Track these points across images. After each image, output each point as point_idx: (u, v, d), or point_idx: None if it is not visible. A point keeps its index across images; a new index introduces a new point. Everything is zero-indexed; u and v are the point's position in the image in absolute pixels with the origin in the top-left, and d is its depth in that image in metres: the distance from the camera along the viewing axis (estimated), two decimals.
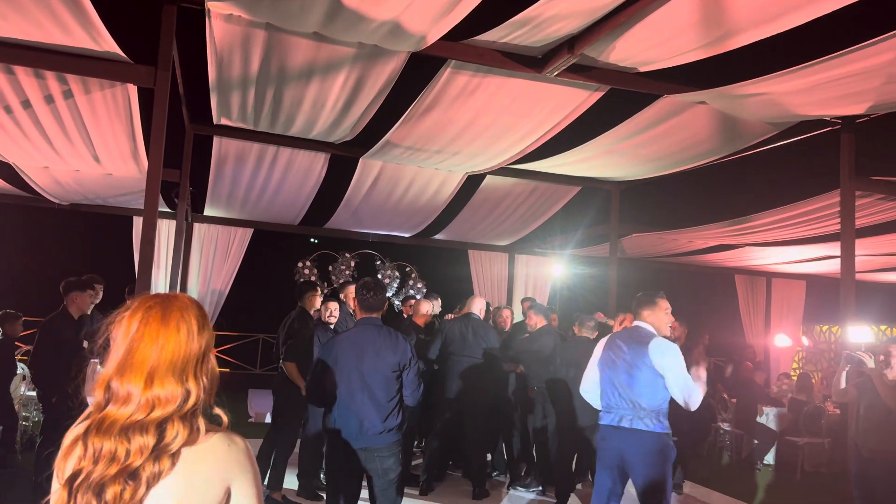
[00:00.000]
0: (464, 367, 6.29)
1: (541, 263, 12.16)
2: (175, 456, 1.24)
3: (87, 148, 6.90)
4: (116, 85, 5.54)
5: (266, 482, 5.82)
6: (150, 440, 1.23)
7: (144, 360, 1.28)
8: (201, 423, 1.31)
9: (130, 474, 1.21)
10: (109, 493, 1.20)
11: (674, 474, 7.05)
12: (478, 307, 6.65)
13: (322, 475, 6.18)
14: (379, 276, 12.41)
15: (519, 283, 12.17)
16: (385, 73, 5.40)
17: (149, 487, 1.22)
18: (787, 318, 13.16)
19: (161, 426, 1.25)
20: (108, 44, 4.67)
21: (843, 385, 4.77)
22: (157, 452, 1.23)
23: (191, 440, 1.27)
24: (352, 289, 6.66)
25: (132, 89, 5.63)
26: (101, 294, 6.23)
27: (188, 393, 1.29)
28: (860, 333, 5.08)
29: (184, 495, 1.23)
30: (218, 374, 1.42)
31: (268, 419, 8.83)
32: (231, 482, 1.28)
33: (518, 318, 8.31)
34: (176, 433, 1.25)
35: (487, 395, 6.40)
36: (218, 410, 1.36)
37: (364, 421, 3.66)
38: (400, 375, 3.77)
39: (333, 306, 6.17)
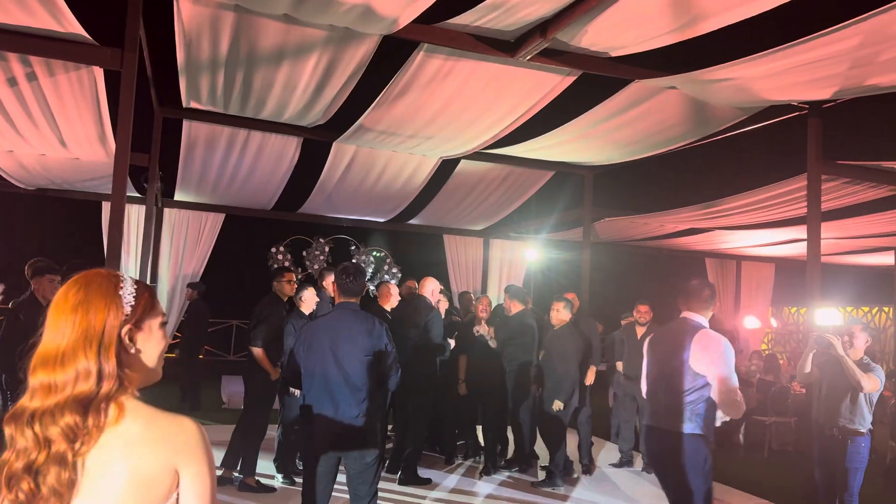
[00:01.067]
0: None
1: (515, 248, 12.22)
2: (87, 442, 1.21)
3: (53, 132, 6.76)
4: (82, 67, 5.42)
5: (238, 468, 5.82)
6: (57, 427, 1.20)
7: (47, 345, 1.27)
8: (127, 406, 1.27)
9: (48, 461, 1.20)
10: (26, 485, 1.19)
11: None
12: (429, 289, 6.54)
13: (297, 459, 6.18)
14: (354, 260, 12.39)
15: (494, 268, 12.22)
16: (357, 57, 5.36)
17: (73, 474, 1.20)
18: (756, 300, 13.40)
19: (71, 409, 1.22)
20: (72, 25, 4.57)
21: (808, 368, 4.83)
22: (75, 436, 1.21)
23: (115, 422, 1.24)
24: (332, 276, 6.65)
25: (98, 72, 5.52)
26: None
27: (94, 375, 1.25)
28: (828, 316, 5.16)
29: (127, 481, 1.21)
30: (150, 359, 1.36)
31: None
32: (179, 466, 1.26)
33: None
34: (93, 417, 1.23)
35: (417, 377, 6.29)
36: (131, 399, 1.30)
37: (339, 404, 3.66)
38: (375, 360, 3.76)
39: (306, 295, 6.09)
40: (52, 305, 1.32)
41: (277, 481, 6.02)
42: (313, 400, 3.71)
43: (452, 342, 6.52)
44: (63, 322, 1.28)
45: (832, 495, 4.72)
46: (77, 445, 1.21)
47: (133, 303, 1.34)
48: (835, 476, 4.69)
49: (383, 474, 6.25)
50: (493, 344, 6.85)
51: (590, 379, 6.96)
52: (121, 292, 1.33)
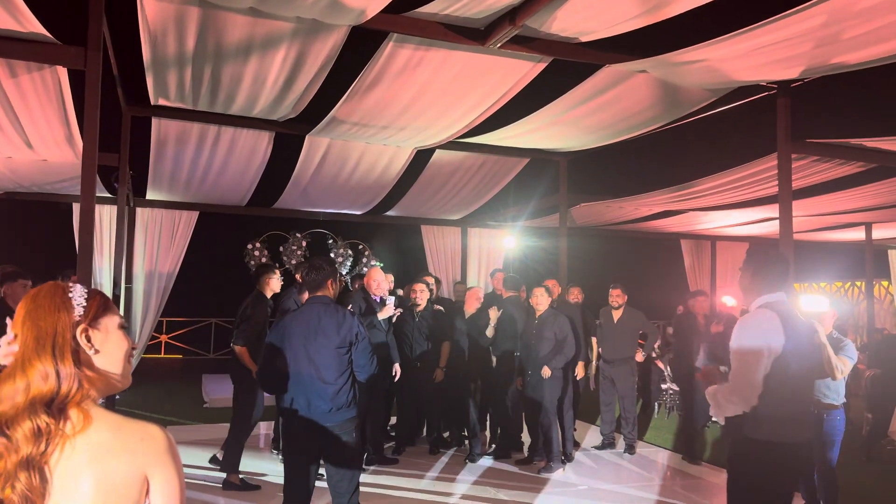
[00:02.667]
0: None
1: (493, 236, 12.25)
2: (53, 444, 1.21)
3: (19, 134, 6.63)
4: (45, 67, 5.32)
5: (221, 466, 5.80)
6: (22, 430, 1.20)
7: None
8: (93, 413, 1.26)
9: (18, 466, 1.19)
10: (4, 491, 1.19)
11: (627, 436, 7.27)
12: (374, 283, 6.50)
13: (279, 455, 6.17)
14: (332, 254, 12.32)
15: (472, 257, 12.24)
16: (326, 49, 5.31)
17: (42, 480, 1.20)
18: (731, 279, 13.57)
19: (33, 411, 1.22)
20: (32, 24, 4.47)
21: None
22: (40, 439, 1.21)
23: (82, 430, 1.23)
24: (375, 272, 6.59)
25: (62, 72, 5.42)
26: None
27: (52, 376, 1.25)
28: (815, 302, 5.10)
29: (96, 490, 1.21)
30: (113, 362, 1.36)
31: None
32: (148, 473, 1.27)
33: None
34: (56, 418, 1.23)
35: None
36: (96, 407, 1.29)
37: (312, 399, 3.64)
38: (348, 352, 3.75)
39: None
40: (13, 324, 1.33)
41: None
42: (290, 396, 3.69)
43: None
44: (17, 332, 1.30)
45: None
46: (43, 448, 1.21)
47: (84, 304, 1.34)
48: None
49: (379, 468, 6.26)
50: (489, 332, 6.86)
51: (580, 373, 7.02)
52: (70, 295, 1.33)
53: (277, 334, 3.78)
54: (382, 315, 6.18)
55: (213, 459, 6.14)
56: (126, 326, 1.44)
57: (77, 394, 1.26)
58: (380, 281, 6.44)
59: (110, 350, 1.36)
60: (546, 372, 6.26)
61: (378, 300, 6.37)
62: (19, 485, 1.18)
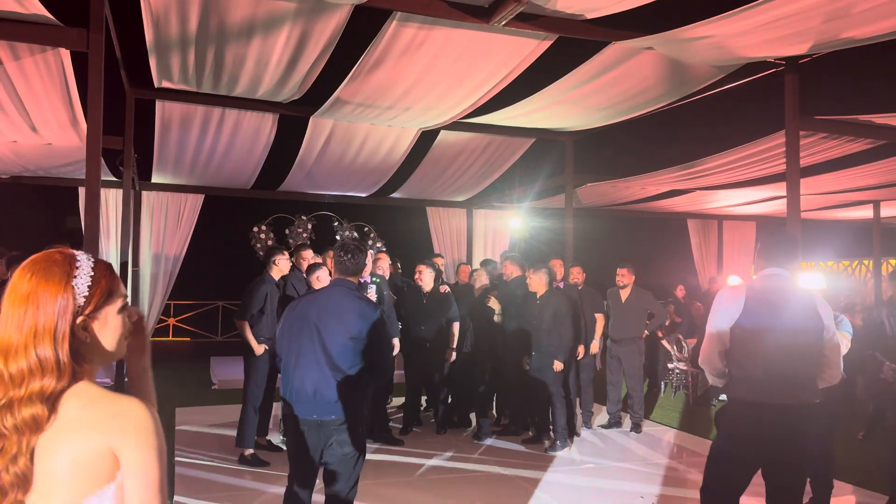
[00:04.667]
0: None
1: (499, 217, 12.23)
2: (40, 432, 1.21)
3: (23, 117, 6.62)
4: (48, 49, 5.29)
5: (236, 441, 5.85)
6: (14, 420, 1.20)
7: (0, 335, 1.25)
8: (72, 389, 1.25)
9: (5, 453, 1.20)
10: None
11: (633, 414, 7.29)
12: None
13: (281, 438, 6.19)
14: (337, 237, 12.33)
15: (478, 238, 12.23)
16: (329, 28, 5.28)
17: (30, 463, 1.20)
18: (738, 258, 13.53)
19: (27, 404, 1.21)
20: (34, 6, 4.44)
21: None
22: (31, 429, 1.21)
23: (61, 414, 1.23)
24: (305, 252, 6.59)
25: (65, 54, 5.40)
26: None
27: (49, 369, 1.23)
28: (812, 279, 5.12)
29: (64, 464, 1.20)
30: (109, 344, 1.34)
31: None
32: (117, 450, 1.22)
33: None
34: (48, 409, 1.22)
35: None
36: (80, 382, 1.28)
37: (319, 387, 3.37)
38: (365, 346, 3.43)
39: (321, 275, 5.91)
40: (7, 291, 1.28)
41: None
42: (295, 382, 3.44)
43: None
44: (15, 313, 1.25)
45: None
46: (31, 436, 1.20)
47: (87, 293, 1.29)
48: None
49: (384, 447, 6.30)
50: (497, 319, 6.93)
51: (580, 353, 7.04)
52: (74, 282, 1.28)
53: (292, 314, 3.55)
54: None
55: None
56: (127, 305, 1.40)
57: (71, 383, 1.25)
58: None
59: (107, 335, 1.33)
60: (558, 366, 6.28)
61: (365, 281, 6.38)
62: (15, 468, 1.19)
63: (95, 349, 1.32)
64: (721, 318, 3.21)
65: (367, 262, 6.34)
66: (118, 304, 1.36)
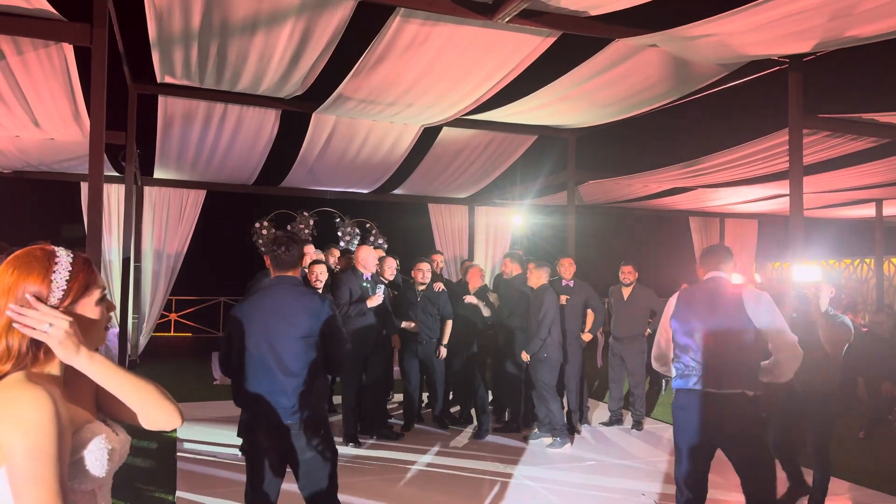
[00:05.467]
0: None
1: (501, 214, 12.22)
2: None
3: (26, 112, 6.63)
4: (51, 44, 5.30)
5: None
6: None
7: None
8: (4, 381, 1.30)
9: None
10: None
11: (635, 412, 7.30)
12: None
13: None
14: (339, 233, 12.32)
15: (480, 235, 12.23)
16: (332, 24, 5.27)
17: None
18: (740, 256, 13.52)
19: None
20: (37, 1, 4.44)
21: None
22: None
23: None
24: (307, 248, 6.55)
25: (68, 49, 5.40)
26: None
27: (13, 357, 1.30)
28: (808, 272, 5.14)
29: None
30: (84, 332, 1.38)
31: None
32: (1, 439, 1.23)
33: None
34: None
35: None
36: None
37: (273, 393, 3.16)
38: (319, 342, 3.25)
39: (319, 269, 5.92)
40: None
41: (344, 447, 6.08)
42: (249, 388, 3.20)
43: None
44: None
45: (787, 452, 4.72)
46: None
47: (65, 287, 1.35)
48: (801, 429, 4.70)
49: (383, 443, 6.31)
50: (485, 312, 6.93)
51: (586, 338, 7.04)
52: (53, 276, 1.34)
53: (237, 318, 3.27)
54: (371, 304, 6.19)
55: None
56: (105, 296, 1.45)
57: (27, 369, 1.31)
58: (363, 258, 6.43)
59: (83, 326, 1.38)
60: (524, 357, 6.34)
61: (368, 278, 6.38)
62: None
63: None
64: (665, 315, 3.77)
65: (367, 256, 6.41)
66: (95, 295, 1.42)
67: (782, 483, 4.75)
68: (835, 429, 4.69)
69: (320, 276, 5.81)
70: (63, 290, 1.34)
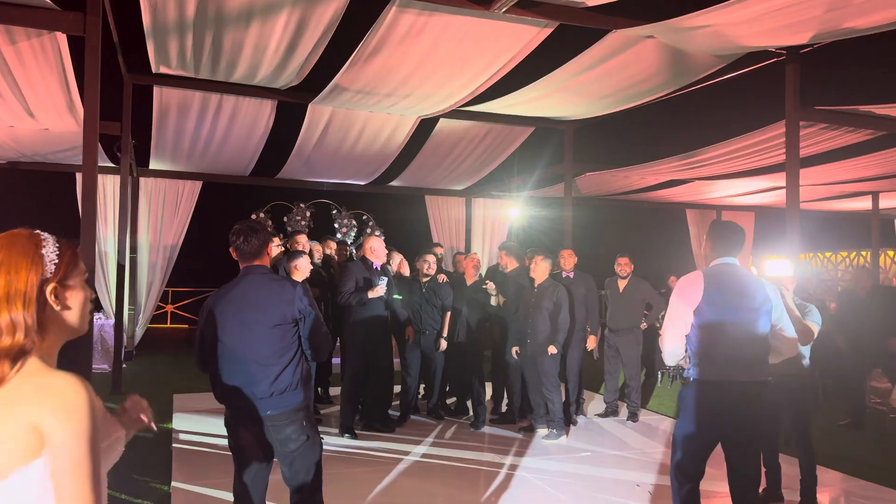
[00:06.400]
0: None
1: (498, 206, 12.21)
2: None
3: (20, 102, 6.59)
4: (44, 34, 5.26)
5: None
6: None
7: None
8: (24, 368, 1.28)
9: None
10: None
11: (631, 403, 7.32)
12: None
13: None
14: (336, 224, 12.30)
15: (477, 227, 12.22)
16: (328, 14, 5.24)
17: None
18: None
19: None
20: None
21: None
22: None
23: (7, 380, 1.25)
24: (300, 238, 6.49)
25: (62, 38, 5.37)
26: None
27: (20, 330, 1.27)
28: (780, 267, 5.14)
29: None
30: (74, 315, 1.38)
31: None
32: (42, 426, 1.21)
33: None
34: (5, 365, 1.25)
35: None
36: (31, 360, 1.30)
37: (247, 385, 3.11)
38: (293, 330, 3.20)
39: (301, 263, 5.77)
40: None
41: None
42: (225, 380, 3.17)
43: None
44: None
45: (772, 442, 4.75)
46: None
47: (56, 261, 1.35)
48: (778, 419, 4.73)
49: (379, 434, 6.32)
50: (494, 301, 6.89)
51: (591, 344, 7.04)
52: (43, 251, 1.34)
53: (208, 310, 3.23)
54: (373, 295, 6.11)
55: None
56: (87, 277, 1.46)
57: (32, 347, 1.28)
58: (376, 248, 6.41)
59: (74, 304, 1.38)
60: (552, 350, 6.27)
61: (377, 268, 6.36)
62: None
63: (59, 321, 1.36)
64: (682, 303, 3.45)
65: (376, 245, 6.37)
66: (83, 272, 1.42)
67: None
68: (812, 414, 4.75)
69: (299, 266, 5.66)
70: (55, 265, 1.34)
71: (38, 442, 1.21)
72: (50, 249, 1.35)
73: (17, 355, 1.26)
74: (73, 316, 1.38)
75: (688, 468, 3.47)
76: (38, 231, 1.39)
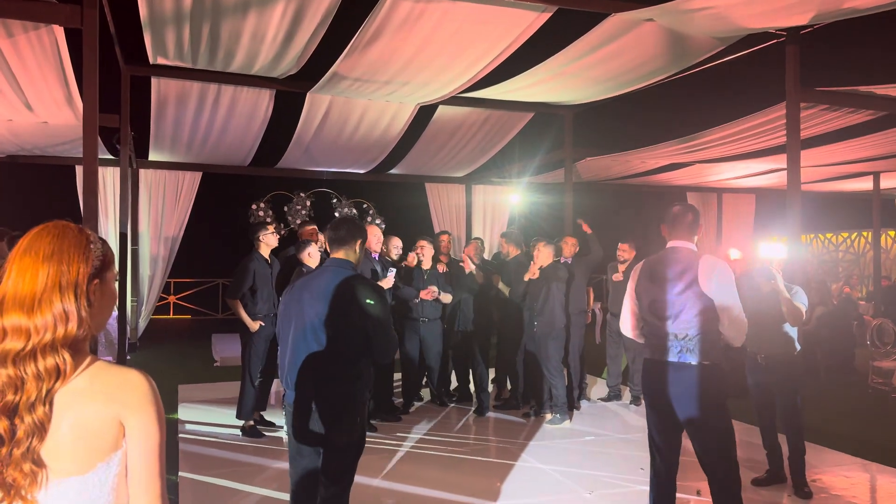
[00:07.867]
0: None
1: (498, 193, 12.20)
2: (61, 381, 1.27)
3: (18, 96, 6.58)
4: (41, 26, 5.24)
5: (237, 413, 5.91)
6: (36, 368, 1.25)
7: (19, 289, 1.30)
8: (76, 361, 1.30)
9: (24, 403, 1.24)
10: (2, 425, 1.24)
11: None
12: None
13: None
14: (336, 214, 12.30)
15: (477, 214, 12.21)
16: (325, 1, 5.22)
17: (49, 411, 1.25)
18: (737, 231, 13.53)
19: (50, 351, 1.27)
20: None
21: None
22: (52, 377, 1.26)
23: (70, 372, 1.28)
24: (372, 228, 6.52)
25: (59, 30, 5.35)
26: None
27: (73, 319, 1.30)
28: (772, 249, 5.15)
29: (71, 432, 1.26)
30: (106, 311, 1.42)
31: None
32: (123, 420, 1.30)
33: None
34: (69, 357, 1.28)
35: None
36: (84, 354, 1.34)
37: (309, 377, 3.17)
38: (360, 328, 3.18)
39: (311, 250, 5.91)
40: (20, 252, 1.33)
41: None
42: (287, 366, 3.23)
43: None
44: (36, 269, 1.31)
45: (768, 419, 4.81)
46: (52, 383, 1.26)
47: (101, 257, 1.39)
48: (772, 402, 4.75)
49: (383, 422, 6.35)
50: (505, 290, 6.92)
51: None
52: (91, 246, 1.38)
53: (284, 299, 3.32)
54: (384, 286, 6.15)
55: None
56: (117, 279, 1.50)
57: (87, 337, 1.32)
58: (371, 239, 6.41)
59: (106, 302, 1.42)
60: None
61: (377, 258, 6.37)
62: (33, 416, 1.23)
63: (97, 314, 1.38)
64: (629, 289, 3.74)
65: (377, 234, 6.39)
66: (115, 272, 1.46)
67: (759, 465, 4.84)
68: (802, 392, 4.76)
69: (311, 254, 5.86)
70: (100, 260, 1.38)
71: (120, 434, 1.30)
72: (96, 245, 1.38)
73: (71, 345, 1.29)
74: (105, 313, 1.42)
75: (654, 439, 3.63)
76: (84, 227, 1.42)
